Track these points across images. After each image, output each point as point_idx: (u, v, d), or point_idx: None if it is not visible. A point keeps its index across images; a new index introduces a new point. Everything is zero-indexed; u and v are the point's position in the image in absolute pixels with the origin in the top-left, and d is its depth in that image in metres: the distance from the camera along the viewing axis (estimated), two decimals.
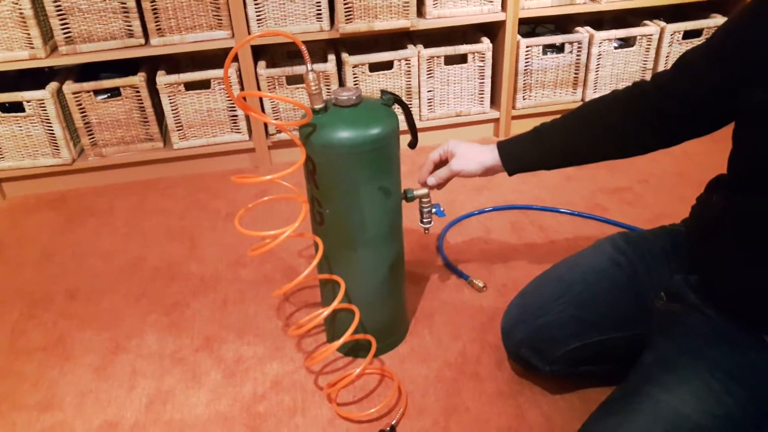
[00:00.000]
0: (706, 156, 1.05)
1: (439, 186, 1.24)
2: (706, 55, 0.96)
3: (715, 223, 0.99)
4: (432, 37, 2.15)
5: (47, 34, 1.85)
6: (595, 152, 1.13)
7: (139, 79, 1.91)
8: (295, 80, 1.98)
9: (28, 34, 1.79)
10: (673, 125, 1.03)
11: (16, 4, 1.75)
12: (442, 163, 1.25)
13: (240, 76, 1.96)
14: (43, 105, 1.86)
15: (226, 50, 1.91)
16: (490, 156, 1.18)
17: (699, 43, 0.97)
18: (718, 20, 2.11)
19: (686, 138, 1.05)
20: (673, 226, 1.15)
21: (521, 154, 1.17)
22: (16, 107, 1.87)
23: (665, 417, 0.86)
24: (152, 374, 1.30)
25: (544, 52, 2.09)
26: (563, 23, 2.19)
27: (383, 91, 1.15)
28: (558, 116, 1.15)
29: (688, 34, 2.13)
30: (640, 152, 1.10)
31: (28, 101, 1.86)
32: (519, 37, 2.04)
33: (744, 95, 0.88)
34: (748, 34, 0.87)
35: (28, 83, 1.91)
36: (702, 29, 2.12)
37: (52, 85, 1.88)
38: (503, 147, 1.18)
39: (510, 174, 1.19)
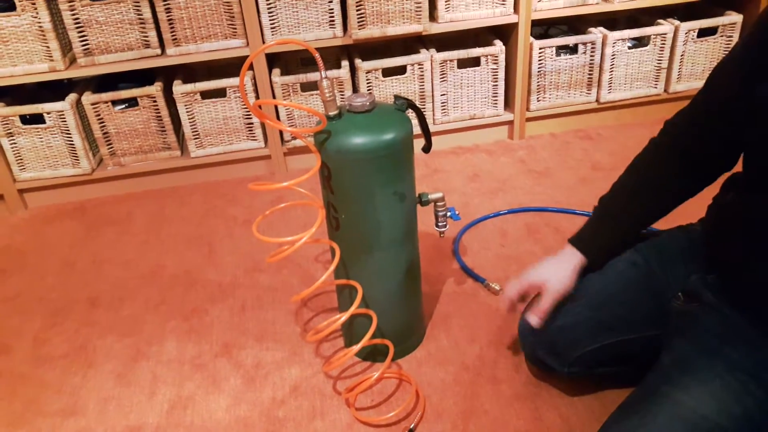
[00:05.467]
0: None
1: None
2: (727, 65, 0.96)
3: (731, 222, 0.98)
4: (444, 41, 2.16)
5: (66, 47, 1.89)
6: (662, 210, 1.09)
7: (156, 89, 1.93)
8: (309, 87, 1.99)
9: (48, 47, 1.82)
10: (718, 154, 1.02)
11: (36, 17, 1.78)
12: (528, 293, 1.16)
13: (255, 84, 1.97)
14: (62, 116, 1.90)
15: (241, 59, 1.93)
16: (575, 260, 1.11)
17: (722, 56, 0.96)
18: (733, 17, 2.10)
19: (737, 158, 1.01)
20: (689, 226, 1.14)
21: (599, 244, 1.11)
22: (37, 119, 1.91)
23: (684, 418, 0.86)
24: (173, 380, 1.32)
25: (558, 54, 2.09)
26: (576, 24, 2.18)
27: (397, 96, 1.16)
28: (611, 189, 1.13)
29: (703, 33, 2.11)
30: (702, 188, 1.08)
31: (48, 113, 1.89)
32: (532, 38, 2.04)
33: (758, 91, 0.88)
34: (764, 33, 0.88)
35: (48, 95, 1.94)
36: (717, 27, 2.11)
37: (72, 97, 1.91)
38: (582, 245, 1.11)
39: (599, 266, 1.13)
